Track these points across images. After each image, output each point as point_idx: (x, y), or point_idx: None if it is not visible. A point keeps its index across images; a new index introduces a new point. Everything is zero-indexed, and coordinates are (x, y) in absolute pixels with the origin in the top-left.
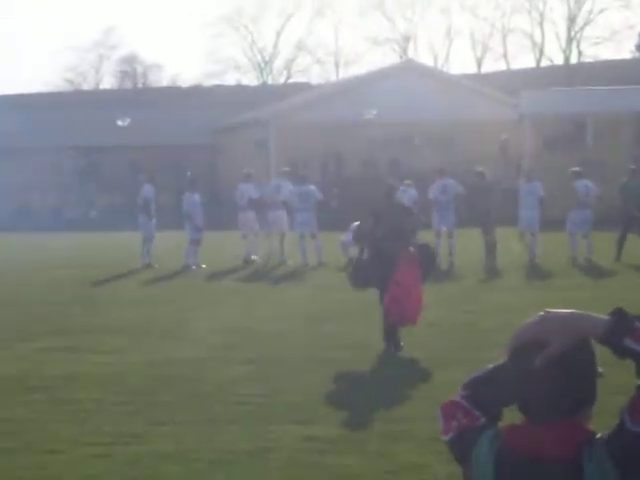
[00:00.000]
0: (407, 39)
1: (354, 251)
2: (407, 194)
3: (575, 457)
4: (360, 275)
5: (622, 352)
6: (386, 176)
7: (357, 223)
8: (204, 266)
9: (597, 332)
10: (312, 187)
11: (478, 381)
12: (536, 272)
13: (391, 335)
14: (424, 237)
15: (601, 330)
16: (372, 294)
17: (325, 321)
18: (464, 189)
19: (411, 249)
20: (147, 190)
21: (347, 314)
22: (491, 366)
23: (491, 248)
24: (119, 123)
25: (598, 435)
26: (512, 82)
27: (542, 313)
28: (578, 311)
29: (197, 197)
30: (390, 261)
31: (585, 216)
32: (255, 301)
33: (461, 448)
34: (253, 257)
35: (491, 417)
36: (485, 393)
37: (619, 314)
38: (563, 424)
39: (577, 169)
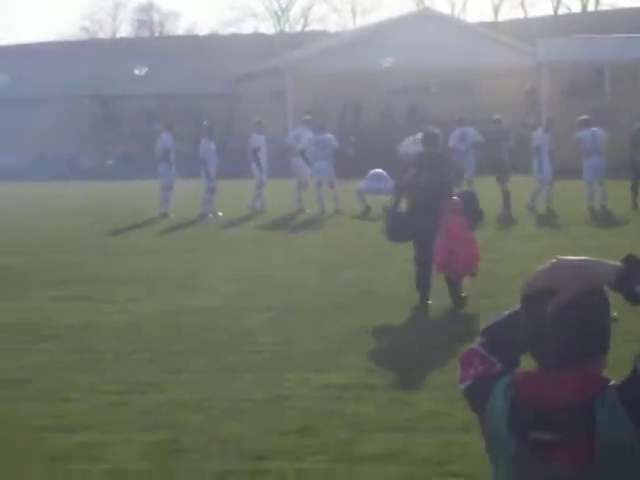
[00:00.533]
0: None
1: (370, 199)
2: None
3: (588, 404)
4: (398, 227)
5: (634, 298)
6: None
7: (378, 171)
8: (221, 214)
9: (609, 279)
10: (329, 135)
11: (494, 328)
12: (552, 220)
13: (424, 284)
14: None
15: (613, 277)
16: (389, 244)
17: (343, 269)
18: (482, 137)
19: (455, 198)
20: (165, 139)
21: (365, 261)
22: (507, 312)
23: (506, 196)
24: (136, 72)
25: (612, 382)
26: (529, 30)
27: (554, 260)
28: (590, 258)
29: (213, 145)
30: (432, 212)
31: (596, 163)
32: (272, 249)
33: (477, 397)
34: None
35: (508, 363)
36: (501, 339)
37: (631, 261)
38: (577, 372)
39: (585, 117)
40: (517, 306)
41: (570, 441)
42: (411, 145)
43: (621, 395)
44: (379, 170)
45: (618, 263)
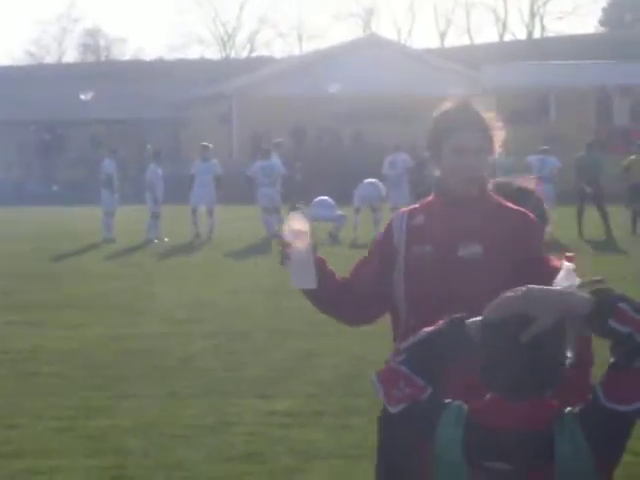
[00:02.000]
0: (370, 13)
1: (316, 226)
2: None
3: (546, 431)
4: None
5: (606, 333)
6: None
7: (324, 198)
8: (167, 239)
9: (584, 310)
10: (275, 161)
11: (419, 345)
12: None
13: None
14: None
15: (588, 309)
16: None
17: (288, 294)
18: (413, 164)
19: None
20: (108, 165)
21: None
22: (428, 330)
23: None
24: (82, 97)
25: (568, 409)
26: (475, 56)
27: (523, 288)
28: (561, 289)
29: (160, 170)
30: None
31: (543, 190)
32: (218, 275)
33: (417, 422)
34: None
35: (435, 385)
36: (427, 359)
37: (602, 293)
38: (532, 400)
39: (545, 147)
40: (441, 325)
41: (529, 470)
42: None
43: (581, 420)
44: (325, 197)
45: (588, 295)
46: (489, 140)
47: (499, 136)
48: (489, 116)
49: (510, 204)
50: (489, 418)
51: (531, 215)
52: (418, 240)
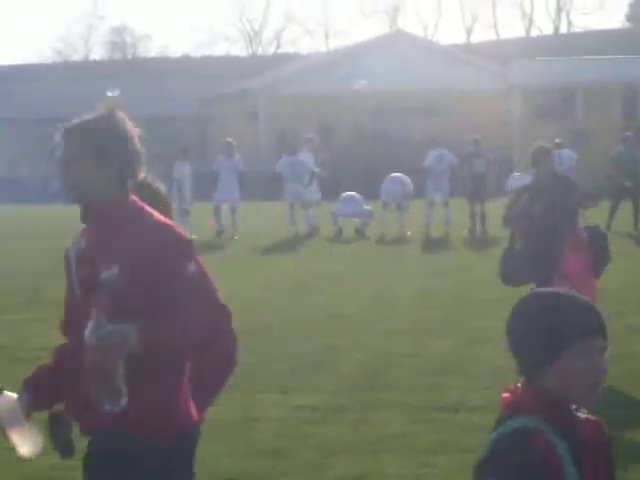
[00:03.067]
0: (397, 9)
1: (344, 221)
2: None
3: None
4: (512, 266)
5: None
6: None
7: (351, 194)
8: (195, 237)
9: None
10: (303, 158)
11: None
12: None
13: None
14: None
15: None
16: (361, 266)
17: (313, 291)
18: (457, 159)
19: (579, 232)
20: None
21: (335, 284)
22: None
23: (482, 217)
24: (109, 94)
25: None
26: (502, 52)
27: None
28: None
29: (187, 167)
30: (552, 246)
31: None
32: (244, 270)
33: None
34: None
35: None
36: None
37: None
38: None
39: (557, 140)
40: None
41: None
42: (519, 179)
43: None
44: (352, 193)
45: None
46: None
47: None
48: None
49: (148, 219)
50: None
51: (165, 228)
52: (81, 263)
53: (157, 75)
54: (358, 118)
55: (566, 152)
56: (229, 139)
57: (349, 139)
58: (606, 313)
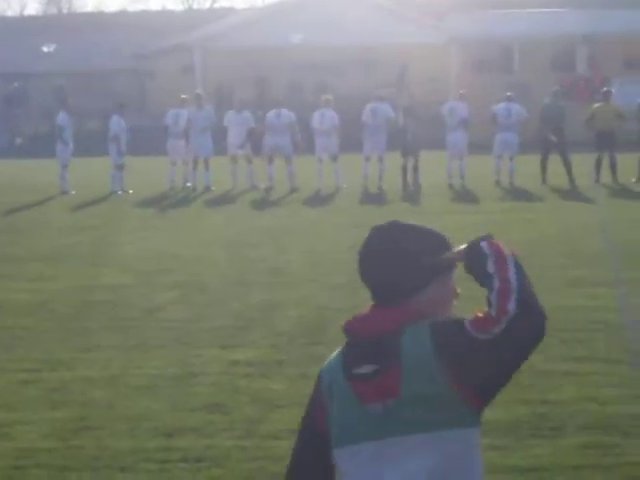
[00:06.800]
0: None
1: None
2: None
3: (398, 331)
4: None
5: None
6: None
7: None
8: (131, 191)
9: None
10: (247, 114)
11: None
12: (463, 196)
13: None
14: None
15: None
16: (296, 220)
17: (252, 247)
18: (394, 113)
19: None
20: (61, 118)
21: (272, 239)
22: None
23: (415, 170)
24: (44, 49)
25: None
26: (440, 5)
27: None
28: None
29: (123, 122)
30: None
31: (508, 139)
32: (182, 227)
33: None
34: (188, 184)
35: None
36: None
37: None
38: (397, 307)
39: (509, 94)
40: None
41: (382, 374)
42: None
43: (432, 329)
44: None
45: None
46: None
47: None
48: None
49: None
50: (356, 324)
51: None
52: None
53: (93, 30)
54: (295, 73)
55: (516, 107)
56: (198, 90)
57: (285, 93)
58: (545, 266)
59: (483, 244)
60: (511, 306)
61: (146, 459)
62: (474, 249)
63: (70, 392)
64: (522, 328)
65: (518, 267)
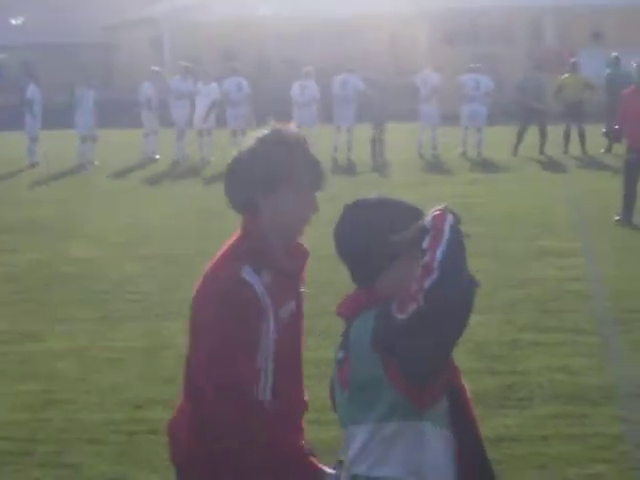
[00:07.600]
0: None
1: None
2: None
3: (355, 313)
4: None
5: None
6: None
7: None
8: (97, 163)
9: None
10: (214, 85)
11: None
12: (433, 167)
13: None
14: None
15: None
16: None
17: (220, 218)
18: (364, 84)
19: None
20: (30, 91)
21: None
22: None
23: (380, 143)
24: (12, 22)
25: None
26: None
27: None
28: None
29: (92, 94)
30: None
31: (475, 110)
32: (151, 198)
33: None
34: (156, 156)
35: None
36: None
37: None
38: (364, 290)
39: (473, 65)
40: None
41: (344, 362)
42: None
43: (378, 311)
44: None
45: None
46: None
47: None
48: None
49: None
50: (338, 308)
51: None
52: None
53: (62, 2)
54: (263, 45)
55: (484, 78)
56: (184, 62)
57: (254, 66)
58: (514, 237)
59: (427, 220)
60: (427, 283)
61: (115, 431)
62: (421, 225)
63: (38, 365)
64: (438, 306)
65: (451, 242)
